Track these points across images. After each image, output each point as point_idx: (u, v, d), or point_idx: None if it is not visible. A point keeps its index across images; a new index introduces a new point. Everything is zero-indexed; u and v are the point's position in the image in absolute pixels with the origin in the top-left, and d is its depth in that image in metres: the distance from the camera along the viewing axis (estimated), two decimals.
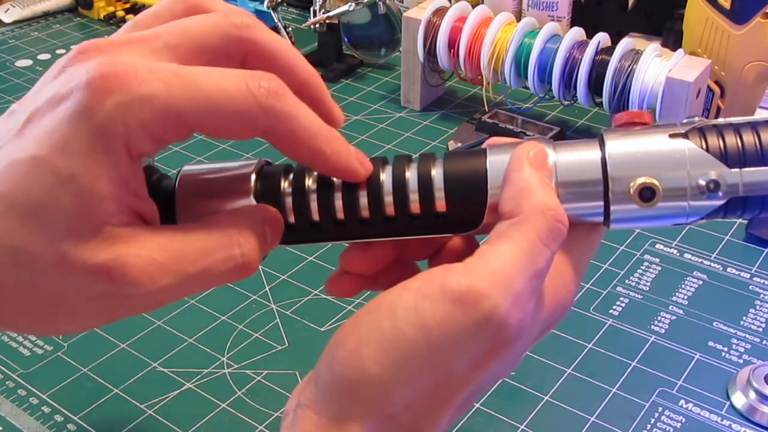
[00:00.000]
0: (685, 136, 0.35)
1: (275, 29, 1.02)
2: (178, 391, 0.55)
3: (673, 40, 0.88)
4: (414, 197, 0.36)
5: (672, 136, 0.35)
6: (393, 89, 0.93)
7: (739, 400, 0.53)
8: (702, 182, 0.34)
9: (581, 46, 0.78)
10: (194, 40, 0.33)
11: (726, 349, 0.58)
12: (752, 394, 0.53)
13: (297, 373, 0.56)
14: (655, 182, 0.34)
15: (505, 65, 0.80)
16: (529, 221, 0.33)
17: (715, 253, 0.67)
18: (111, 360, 0.57)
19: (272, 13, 1.00)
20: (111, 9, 1.12)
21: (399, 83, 0.90)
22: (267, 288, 0.64)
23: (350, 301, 0.62)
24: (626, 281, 0.64)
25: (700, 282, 0.64)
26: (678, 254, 0.67)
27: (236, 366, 0.57)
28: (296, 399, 0.34)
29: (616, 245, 0.68)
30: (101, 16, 1.11)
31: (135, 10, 1.12)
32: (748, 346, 0.58)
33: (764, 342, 0.58)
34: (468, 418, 0.53)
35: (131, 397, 0.54)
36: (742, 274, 0.65)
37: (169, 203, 0.38)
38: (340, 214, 0.37)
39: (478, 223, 0.36)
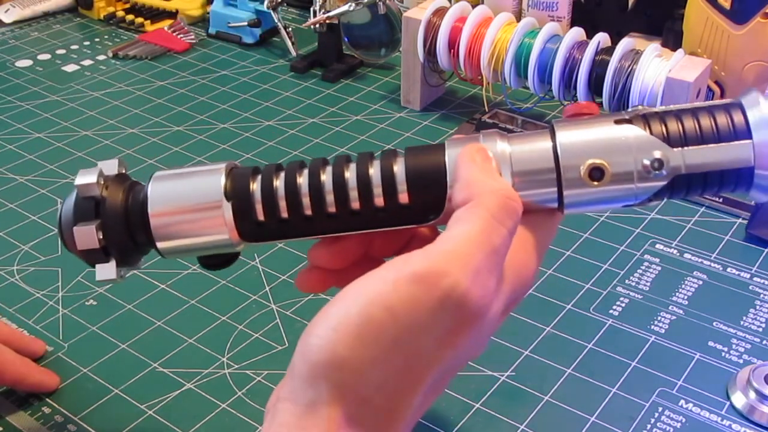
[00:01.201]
0: (629, 121, 0.37)
1: (275, 29, 1.02)
2: (178, 391, 0.55)
3: (673, 40, 0.88)
4: (378, 191, 0.38)
5: (617, 122, 0.37)
6: (393, 89, 0.93)
7: (739, 400, 0.53)
8: (647, 162, 0.36)
9: (581, 46, 0.78)
10: None
11: (726, 349, 0.58)
12: (752, 394, 0.53)
13: None
14: (604, 163, 0.37)
15: (505, 65, 0.80)
16: (481, 203, 0.35)
17: (715, 253, 0.67)
18: (111, 360, 0.57)
19: (272, 13, 1.00)
20: (111, 9, 1.12)
21: (399, 83, 0.90)
22: (267, 288, 0.64)
23: None
24: (626, 281, 0.64)
25: (700, 282, 0.64)
26: (678, 254, 0.67)
27: (236, 366, 0.57)
28: (276, 395, 0.35)
29: (616, 245, 0.67)
30: (101, 16, 1.11)
31: (135, 10, 1.12)
32: (748, 346, 0.58)
33: (764, 342, 0.58)
34: (468, 418, 0.53)
35: (131, 398, 0.54)
36: (742, 274, 0.65)
37: (143, 208, 0.40)
38: (308, 211, 0.39)
39: (440, 212, 0.38)
